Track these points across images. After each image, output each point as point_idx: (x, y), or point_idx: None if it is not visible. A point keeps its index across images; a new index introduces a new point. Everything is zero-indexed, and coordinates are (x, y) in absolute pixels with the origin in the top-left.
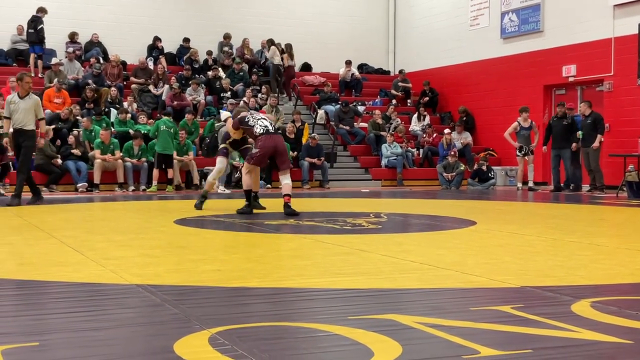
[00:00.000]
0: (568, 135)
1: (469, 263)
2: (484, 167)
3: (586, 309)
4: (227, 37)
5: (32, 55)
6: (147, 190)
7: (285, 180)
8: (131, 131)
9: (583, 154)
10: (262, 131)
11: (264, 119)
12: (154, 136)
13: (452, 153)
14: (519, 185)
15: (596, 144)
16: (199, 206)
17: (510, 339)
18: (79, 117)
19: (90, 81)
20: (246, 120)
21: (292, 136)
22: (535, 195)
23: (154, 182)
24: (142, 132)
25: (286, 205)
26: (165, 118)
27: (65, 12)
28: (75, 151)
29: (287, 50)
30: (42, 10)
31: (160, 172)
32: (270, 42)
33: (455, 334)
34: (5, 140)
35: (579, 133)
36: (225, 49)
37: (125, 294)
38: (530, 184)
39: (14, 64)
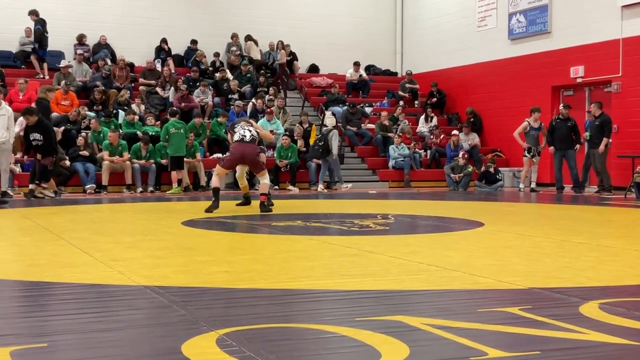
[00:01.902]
0: (571, 137)
1: (476, 264)
2: (492, 169)
3: (594, 311)
4: (234, 36)
5: (35, 57)
6: (168, 192)
7: (263, 180)
8: (139, 133)
9: (591, 155)
10: (236, 138)
11: (248, 129)
12: (165, 140)
13: (462, 155)
14: (522, 186)
15: (602, 147)
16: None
17: (517, 341)
18: (88, 114)
19: (98, 83)
20: (235, 126)
21: (301, 138)
22: (543, 197)
23: (174, 185)
24: (150, 133)
25: (261, 204)
26: (173, 119)
27: (73, 14)
28: (84, 152)
29: (282, 46)
30: (36, 14)
31: (165, 174)
32: (247, 38)
33: (463, 336)
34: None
35: (586, 134)
36: (233, 49)
37: (133, 295)
38: (533, 185)
39: (22, 66)
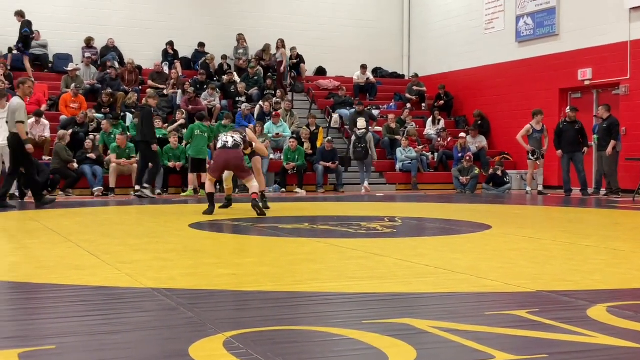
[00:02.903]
0: (579, 140)
1: (483, 267)
2: (499, 172)
3: (602, 314)
4: (240, 39)
5: (28, 59)
6: (182, 194)
7: (252, 183)
8: None
9: (598, 157)
10: (219, 146)
11: (231, 136)
12: (188, 141)
13: (467, 158)
14: (529, 189)
15: (609, 149)
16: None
17: (525, 344)
18: (96, 116)
19: (104, 81)
20: (219, 135)
21: (307, 141)
22: (550, 200)
23: (190, 187)
24: (158, 136)
25: (252, 201)
26: (199, 122)
27: (81, 17)
28: (91, 155)
29: (281, 45)
30: (22, 14)
31: (172, 176)
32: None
33: (470, 339)
34: (29, 146)
35: (594, 137)
36: (240, 51)
37: (140, 298)
38: (540, 187)
39: (32, 69)
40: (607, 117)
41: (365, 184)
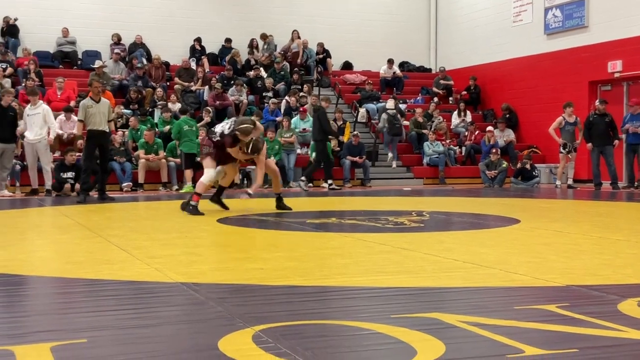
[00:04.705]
0: (609, 133)
1: (512, 261)
2: (528, 166)
3: (633, 308)
4: (263, 36)
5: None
6: (182, 191)
7: (203, 176)
8: None
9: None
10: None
11: (225, 125)
12: (176, 138)
13: (494, 151)
14: (558, 183)
15: None
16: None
17: (555, 338)
18: (124, 112)
19: (132, 80)
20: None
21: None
22: (580, 193)
23: (188, 182)
24: None
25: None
26: (185, 117)
27: (109, 14)
28: (121, 159)
29: (296, 36)
30: None
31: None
32: (263, 36)
33: (499, 333)
34: (80, 142)
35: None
36: (265, 46)
37: (170, 292)
38: (570, 181)
39: (60, 66)
40: None
41: (394, 164)
